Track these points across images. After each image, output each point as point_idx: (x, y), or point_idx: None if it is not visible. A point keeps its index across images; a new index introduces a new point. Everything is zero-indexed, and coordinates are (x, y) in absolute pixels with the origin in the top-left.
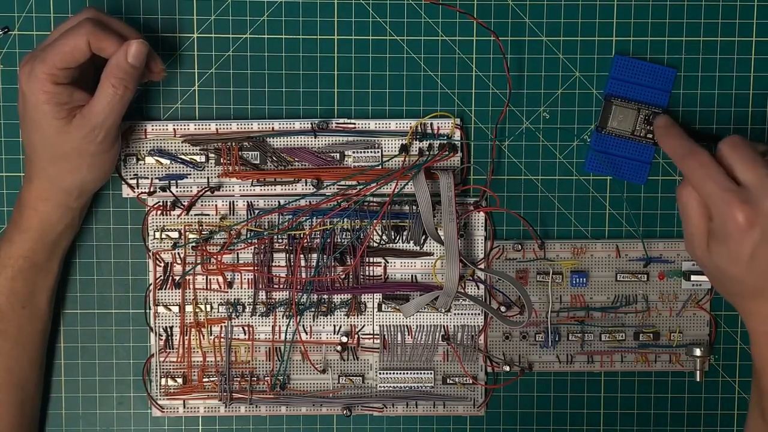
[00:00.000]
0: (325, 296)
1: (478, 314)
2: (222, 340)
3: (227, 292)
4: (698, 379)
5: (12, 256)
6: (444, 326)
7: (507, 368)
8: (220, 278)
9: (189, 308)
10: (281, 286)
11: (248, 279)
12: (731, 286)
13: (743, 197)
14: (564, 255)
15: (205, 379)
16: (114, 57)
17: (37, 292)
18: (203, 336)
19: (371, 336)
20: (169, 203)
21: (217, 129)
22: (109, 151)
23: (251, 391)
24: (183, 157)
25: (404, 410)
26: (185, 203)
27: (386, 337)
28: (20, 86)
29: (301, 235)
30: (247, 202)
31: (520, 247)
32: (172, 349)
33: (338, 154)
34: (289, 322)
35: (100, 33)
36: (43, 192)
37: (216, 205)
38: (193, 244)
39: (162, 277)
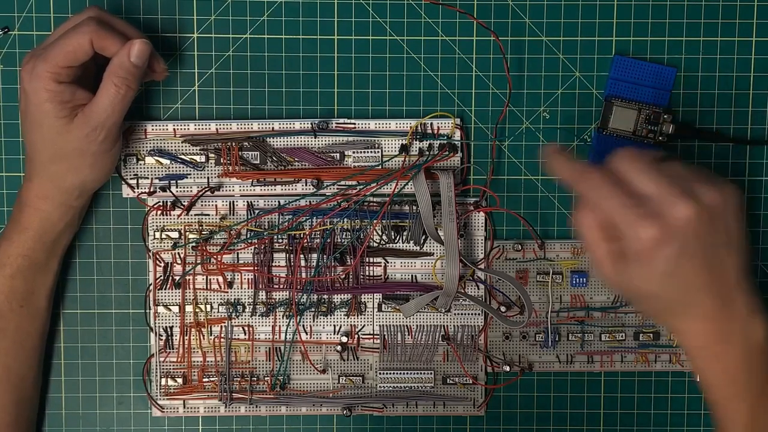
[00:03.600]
0: (325, 296)
1: (478, 314)
2: (222, 340)
3: (227, 292)
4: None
5: (11, 255)
6: (444, 326)
7: (507, 368)
8: (220, 278)
9: (189, 308)
10: (281, 286)
11: (248, 279)
12: (654, 305)
13: (647, 211)
14: (564, 255)
15: (205, 379)
16: (117, 56)
17: (36, 291)
18: (203, 336)
19: (371, 336)
20: (169, 203)
21: (217, 129)
22: (111, 150)
23: (251, 391)
24: (183, 157)
25: (404, 410)
26: (185, 203)
27: (386, 337)
28: (22, 84)
29: (301, 235)
30: (247, 202)
31: (520, 247)
32: (172, 349)
33: (338, 154)
34: (289, 322)
35: (103, 32)
36: (43, 191)
37: (216, 205)
38: (193, 244)
39: (162, 277)
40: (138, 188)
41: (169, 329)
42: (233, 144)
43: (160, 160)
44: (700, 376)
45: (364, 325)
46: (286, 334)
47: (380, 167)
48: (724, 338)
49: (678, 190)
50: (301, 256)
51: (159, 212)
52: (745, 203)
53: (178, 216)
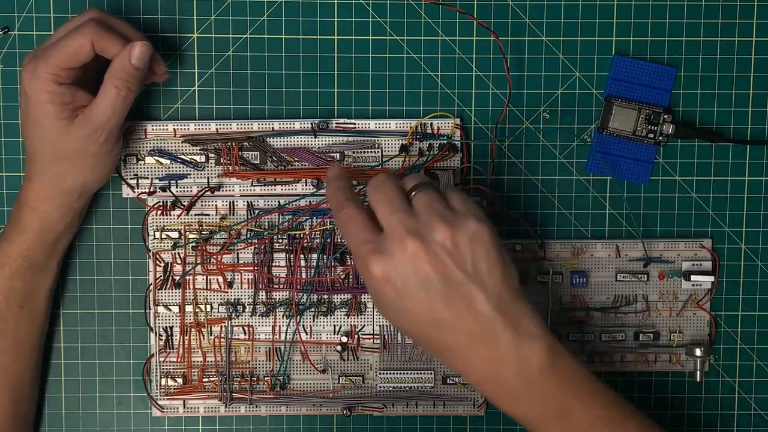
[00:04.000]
0: (325, 296)
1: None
2: (222, 340)
3: (227, 292)
4: (698, 379)
5: (11, 255)
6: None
7: None
8: (220, 278)
9: (189, 308)
10: (281, 286)
11: (248, 279)
12: (420, 344)
13: (377, 248)
14: (564, 255)
15: (205, 379)
16: (117, 58)
17: (35, 291)
18: (203, 336)
19: (371, 336)
20: (169, 203)
21: (217, 129)
22: (111, 151)
23: (251, 391)
24: (183, 157)
25: (404, 410)
26: (185, 203)
27: (386, 337)
28: (23, 85)
29: (301, 235)
30: (247, 202)
31: (520, 247)
32: (172, 349)
33: (338, 154)
34: (289, 322)
35: (103, 34)
36: (43, 192)
37: (216, 205)
38: (193, 244)
39: (162, 277)
40: (138, 188)
41: (169, 329)
42: (233, 144)
43: (160, 160)
44: (501, 409)
45: (364, 325)
46: (286, 334)
47: (380, 167)
48: (496, 368)
49: (404, 228)
50: (301, 256)
51: (159, 212)
52: (496, 233)
53: (178, 216)
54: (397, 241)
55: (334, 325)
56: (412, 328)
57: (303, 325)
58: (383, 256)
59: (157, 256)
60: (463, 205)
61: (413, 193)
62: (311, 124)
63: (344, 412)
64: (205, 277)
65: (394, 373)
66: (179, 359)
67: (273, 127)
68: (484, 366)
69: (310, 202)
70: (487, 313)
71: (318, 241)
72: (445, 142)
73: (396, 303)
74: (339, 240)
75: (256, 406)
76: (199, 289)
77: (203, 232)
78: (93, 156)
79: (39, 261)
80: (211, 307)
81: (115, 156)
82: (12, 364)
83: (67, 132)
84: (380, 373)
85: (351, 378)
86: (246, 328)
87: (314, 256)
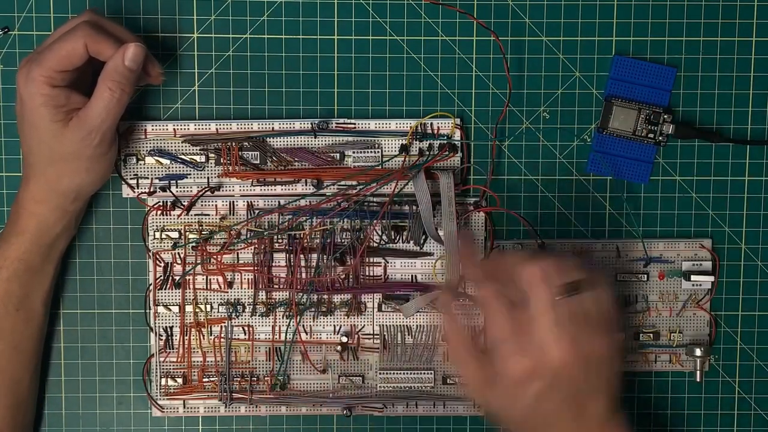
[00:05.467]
0: (325, 296)
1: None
2: (222, 340)
3: (227, 292)
4: (698, 379)
5: (8, 258)
6: (444, 326)
7: None
8: (220, 278)
9: (189, 308)
10: (281, 286)
11: (248, 279)
12: (513, 427)
13: (525, 343)
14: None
15: (205, 379)
16: (111, 60)
17: (32, 294)
18: (203, 336)
19: (371, 336)
20: (169, 203)
21: (217, 129)
22: (106, 154)
23: (251, 391)
24: (183, 157)
25: (404, 410)
26: (185, 203)
27: (386, 337)
28: (18, 89)
29: (301, 235)
30: (247, 202)
31: (520, 247)
32: (172, 349)
33: (338, 154)
34: (289, 322)
35: (97, 36)
36: (39, 194)
37: (216, 205)
38: (193, 244)
39: (162, 277)
40: (138, 188)
41: (169, 329)
42: (233, 144)
43: (160, 160)
44: None
45: (364, 325)
46: (286, 334)
47: (380, 167)
48: None
49: (561, 337)
50: (301, 256)
51: (159, 212)
52: (623, 349)
53: (178, 216)
54: (554, 344)
55: (334, 325)
56: (516, 416)
57: (303, 325)
58: (534, 354)
59: (157, 256)
60: (612, 312)
61: (569, 292)
62: (311, 124)
63: (344, 412)
64: (205, 277)
65: (394, 373)
66: (179, 359)
67: (273, 127)
68: None
69: (310, 202)
70: (594, 421)
71: (318, 241)
72: (445, 142)
73: (524, 398)
74: (339, 240)
75: (256, 406)
76: (199, 289)
77: (203, 232)
78: (88, 158)
79: (35, 264)
80: (211, 307)
81: (110, 159)
82: (9, 368)
83: (62, 135)
84: (380, 373)
85: (351, 378)
86: (246, 328)
87: (314, 256)
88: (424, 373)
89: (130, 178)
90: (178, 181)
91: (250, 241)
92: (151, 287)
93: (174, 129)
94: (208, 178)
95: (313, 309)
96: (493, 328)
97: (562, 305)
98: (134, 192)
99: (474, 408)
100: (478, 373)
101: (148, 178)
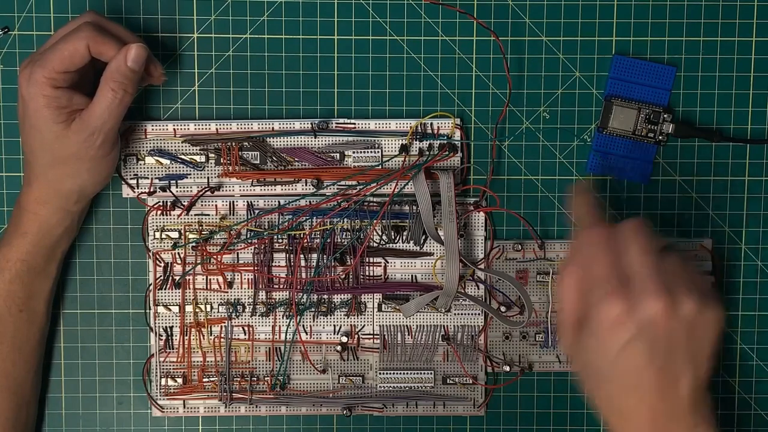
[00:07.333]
0: (325, 296)
1: (478, 314)
2: (222, 340)
3: (227, 292)
4: None
5: (10, 259)
6: (444, 326)
7: (507, 368)
8: (220, 278)
9: (189, 308)
10: (281, 286)
11: (248, 279)
12: (597, 382)
13: (621, 290)
14: (564, 255)
15: (205, 379)
16: (113, 61)
17: (34, 295)
18: (203, 336)
19: (371, 336)
20: (169, 203)
21: (217, 129)
22: (109, 155)
23: (251, 391)
24: (183, 157)
25: (404, 410)
26: (185, 203)
27: (386, 337)
28: (20, 90)
29: (301, 235)
30: (247, 202)
31: (520, 247)
32: (172, 349)
33: (338, 154)
34: (289, 322)
35: (99, 37)
36: (42, 196)
37: (216, 205)
38: (193, 244)
39: (162, 277)
40: (138, 188)
41: (169, 329)
42: (233, 144)
43: (160, 160)
44: None
45: (364, 325)
46: (286, 334)
47: (380, 167)
48: None
49: (661, 287)
50: (301, 256)
51: (159, 212)
52: (723, 326)
53: (178, 216)
54: (647, 295)
55: (334, 325)
56: (603, 366)
57: (303, 325)
58: (625, 302)
59: (157, 256)
60: (707, 288)
61: (668, 254)
62: (311, 124)
63: (344, 412)
64: (205, 277)
65: (394, 373)
66: (179, 359)
67: (273, 127)
68: (650, 427)
69: (310, 202)
70: (682, 394)
71: (318, 241)
72: (445, 142)
73: (612, 346)
74: (339, 240)
75: (256, 406)
76: (199, 289)
77: (203, 232)
78: (90, 159)
79: (38, 265)
80: (211, 307)
81: (112, 160)
82: (12, 369)
83: (64, 136)
84: (380, 373)
85: (351, 378)
86: (246, 328)
87: (314, 256)
88: (424, 373)
89: (130, 178)
90: (178, 181)
91: (250, 241)
92: (151, 287)
93: (174, 129)
94: (208, 178)
95: (313, 309)
96: (596, 266)
97: (665, 259)
98: (134, 192)
99: (474, 408)
100: (572, 317)
101: (148, 178)
